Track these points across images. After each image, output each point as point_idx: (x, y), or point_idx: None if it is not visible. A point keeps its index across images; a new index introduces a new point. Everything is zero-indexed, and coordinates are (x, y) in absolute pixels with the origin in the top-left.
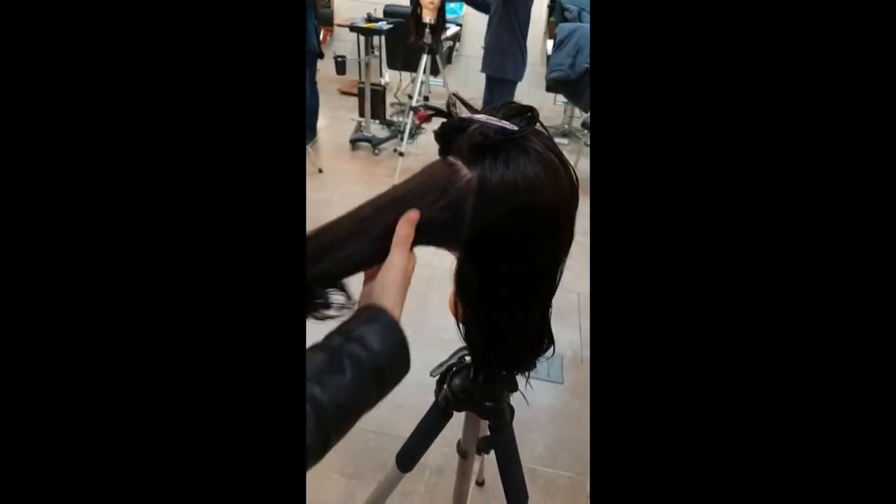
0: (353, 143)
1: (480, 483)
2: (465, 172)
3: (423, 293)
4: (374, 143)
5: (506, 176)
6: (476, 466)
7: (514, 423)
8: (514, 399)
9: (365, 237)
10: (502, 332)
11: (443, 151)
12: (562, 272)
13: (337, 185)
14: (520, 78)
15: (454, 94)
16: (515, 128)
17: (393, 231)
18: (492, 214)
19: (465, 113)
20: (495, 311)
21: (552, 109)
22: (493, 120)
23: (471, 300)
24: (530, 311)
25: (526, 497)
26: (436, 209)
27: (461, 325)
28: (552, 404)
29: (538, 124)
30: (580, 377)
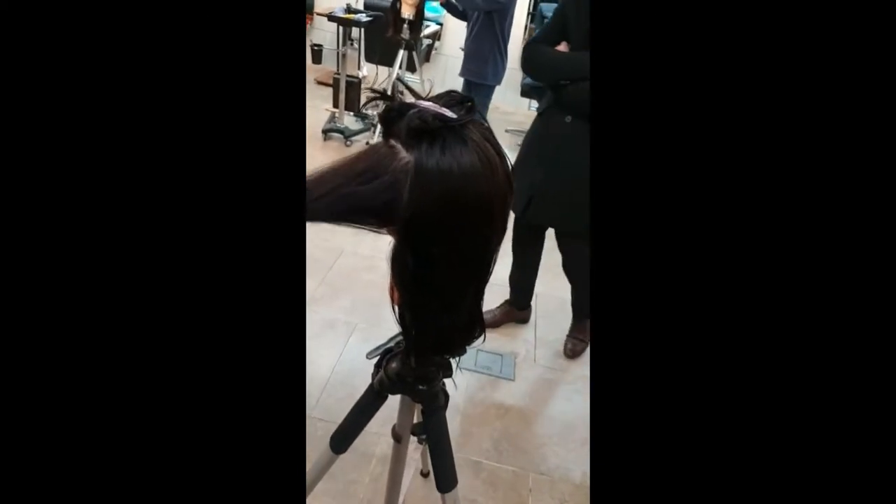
0: (326, 133)
1: (425, 474)
2: (404, 155)
3: (385, 284)
4: (347, 135)
5: (441, 162)
6: (418, 455)
7: (463, 416)
8: (463, 394)
9: (321, 204)
10: (434, 315)
11: (385, 134)
12: (494, 261)
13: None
14: (499, 82)
15: (399, 80)
16: (454, 115)
17: (331, 203)
18: (426, 198)
19: (409, 98)
20: (427, 294)
21: (526, 115)
22: (433, 106)
23: (405, 282)
24: (461, 296)
25: (455, 481)
26: (373, 188)
27: (396, 308)
28: (502, 400)
29: (478, 115)
30: (532, 375)
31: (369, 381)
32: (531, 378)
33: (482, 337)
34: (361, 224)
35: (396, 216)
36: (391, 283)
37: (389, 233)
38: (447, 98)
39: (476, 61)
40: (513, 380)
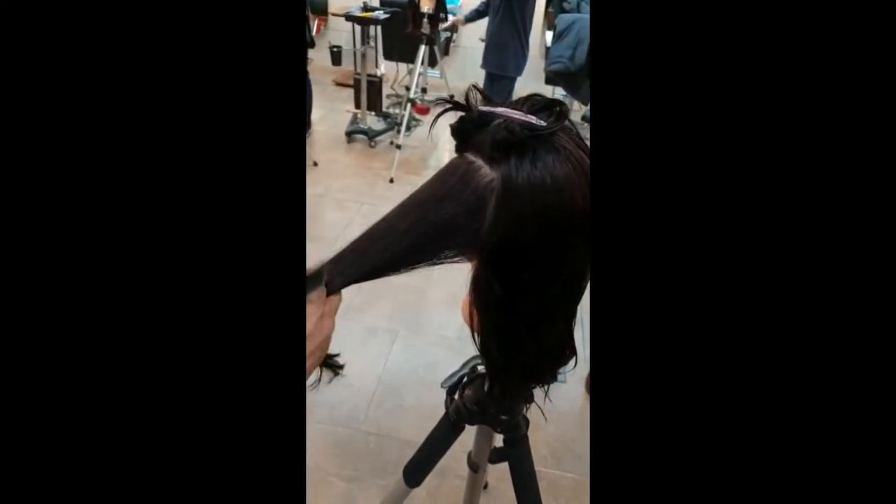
0: (349, 135)
1: (484, 487)
2: (487, 171)
3: (424, 289)
4: (371, 136)
5: (533, 176)
6: None
7: None
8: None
9: (393, 243)
10: (523, 343)
11: (460, 148)
12: (588, 279)
13: (332, 178)
14: (520, 73)
15: (474, 86)
16: (543, 123)
17: (417, 239)
18: (517, 218)
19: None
20: (516, 321)
21: None
22: (517, 114)
23: (489, 310)
24: (554, 321)
25: None
26: (454, 213)
27: (476, 335)
28: (555, 404)
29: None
30: (582, 375)
31: (416, 391)
32: (582, 378)
33: (574, 361)
34: (440, 255)
35: (481, 242)
36: (468, 307)
37: (468, 257)
38: (530, 103)
39: (497, 52)
40: (565, 382)
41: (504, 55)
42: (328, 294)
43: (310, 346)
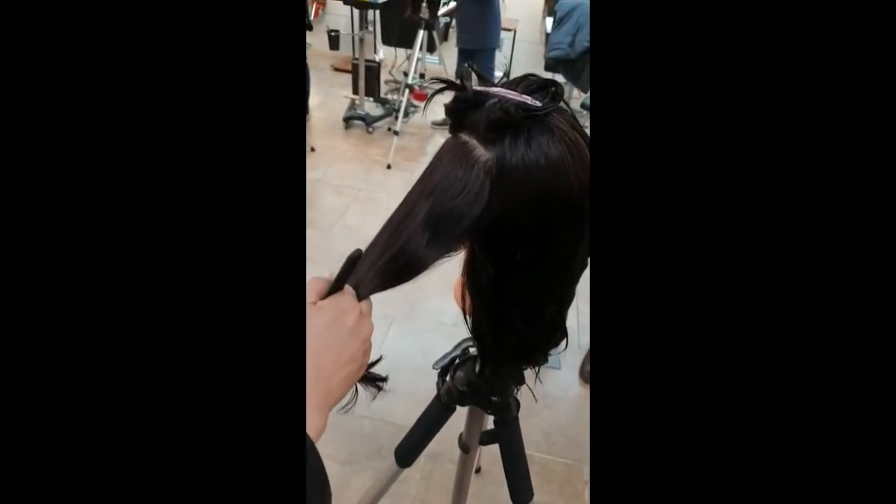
0: (347, 121)
1: (477, 470)
2: (482, 152)
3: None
4: (369, 122)
5: (527, 156)
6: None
7: None
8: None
9: (404, 242)
10: (515, 325)
11: (454, 128)
12: (585, 264)
13: (330, 163)
14: (497, 43)
15: (469, 66)
16: (538, 104)
17: (429, 232)
18: (510, 199)
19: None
20: (509, 303)
21: None
22: (512, 94)
23: (482, 291)
24: (547, 303)
25: (531, 494)
26: (455, 195)
27: (468, 317)
28: (549, 390)
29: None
30: (578, 362)
31: (412, 377)
32: (576, 366)
33: (564, 343)
34: (454, 243)
35: (477, 223)
36: (460, 288)
37: (464, 241)
38: (525, 83)
39: (466, 27)
40: (559, 368)
41: (476, 27)
42: (359, 299)
43: (353, 344)
